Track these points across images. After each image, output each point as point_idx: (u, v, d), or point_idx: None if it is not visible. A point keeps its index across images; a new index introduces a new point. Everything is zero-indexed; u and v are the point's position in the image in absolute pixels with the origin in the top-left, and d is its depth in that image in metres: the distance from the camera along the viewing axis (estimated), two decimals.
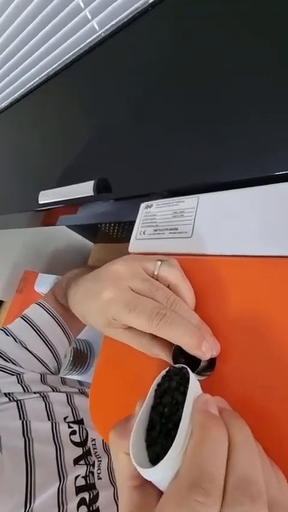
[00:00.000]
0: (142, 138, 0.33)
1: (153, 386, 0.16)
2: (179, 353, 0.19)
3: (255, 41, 0.25)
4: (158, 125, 0.31)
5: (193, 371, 0.18)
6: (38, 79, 0.47)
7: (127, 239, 0.27)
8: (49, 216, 0.61)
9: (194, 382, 0.15)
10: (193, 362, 0.18)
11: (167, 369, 0.17)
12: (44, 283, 0.74)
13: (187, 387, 0.15)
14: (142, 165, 0.32)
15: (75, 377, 0.61)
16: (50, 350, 0.38)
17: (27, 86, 0.49)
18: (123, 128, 0.35)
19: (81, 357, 0.61)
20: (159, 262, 0.21)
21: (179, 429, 0.13)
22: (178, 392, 0.15)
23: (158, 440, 0.14)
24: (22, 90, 0.49)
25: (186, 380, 0.16)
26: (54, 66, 0.45)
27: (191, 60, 0.30)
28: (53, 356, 0.39)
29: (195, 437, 0.13)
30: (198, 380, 0.19)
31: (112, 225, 0.78)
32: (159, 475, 0.13)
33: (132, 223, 0.31)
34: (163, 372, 0.17)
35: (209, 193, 0.24)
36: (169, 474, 0.13)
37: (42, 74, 0.47)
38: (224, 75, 0.27)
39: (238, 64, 0.26)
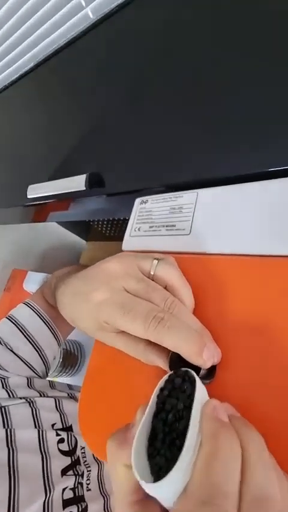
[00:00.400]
0: (137, 131, 0.31)
1: (156, 391, 0.15)
2: (176, 360, 0.18)
3: (260, 31, 0.24)
4: (155, 117, 0.30)
5: None
6: (27, 68, 0.45)
7: (121, 237, 0.26)
8: (39, 212, 0.59)
9: (201, 387, 0.14)
10: (192, 369, 0.17)
11: (170, 373, 0.16)
12: (33, 282, 0.72)
13: (193, 392, 0.14)
14: (137, 159, 0.31)
15: (64, 379, 0.59)
16: (38, 352, 0.36)
17: (17, 75, 0.47)
18: (117, 119, 0.33)
19: (71, 359, 0.59)
20: (155, 261, 0.20)
21: (187, 439, 0.12)
22: (182, 397, 0.14)
23: (161, 450, 0.13)
24: (12, 78, 0.47)
25: (190, 385, 0.14)
26: (45, 53, 0.43)
27: (189, 48, 0.28)
28: (41, 359, 0.37)
29: (206, 448, 0.11)
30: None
31: (105, 222, 0.76)
32: (166, 490, 0.11)
33: (126, 221, 0.29)
34: (166, 376, 0.16)
35: (208, 188, 0.23)
36: (176, 489, 0.11)
37: (31, 64, 0.45)
38: (224, 64, 0.25)
39: (240, 53, 0.25)
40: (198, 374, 0.17)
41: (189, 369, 0.16)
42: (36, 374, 0.36)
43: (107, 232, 0.80)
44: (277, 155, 0.21)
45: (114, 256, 0.21)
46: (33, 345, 0.36)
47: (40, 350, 0.36)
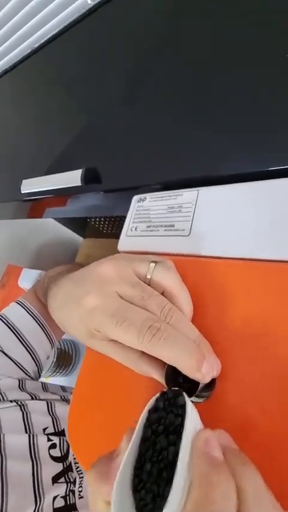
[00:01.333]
0: (136, 125, 0.30)
1: (144, 414, 0.14)
2: (173, 372, 0.16)
3: (267, 23, 0.23)
4: (155, 111, 0.28)
5: (191, 394, 0.15)
6: (21, 57, 0.43)
7: (119, 234, 0.25)
8: (35, 207, 0.58)
9: (192, 414, 0.13)
10: (190, 381, 0.16)
11: (160, 393, 0.14)
12: (28, 279, 0.71)
13: (183, 419, 0.12)
14: (135, 155, 0.29)
15: (59, 379, 0.58)
16: (30, 353, 0.35)
17: (10, 64, 0.45)
18: (116, 113, 0.32)
19: (65, 358, 0.58)
20: (152, 264, 0.18)
21: (174, 480, 0.10)
22: (173, 421, 0.13)
23: (147, 484, 0.11)
24: (5, 67, 0.45)
25: (182, 408, 0.13)
26: (41, 42, 0.41)
27: (192, 38, 0.27)
28: (33, 360, 0.35)
29: (196, 492, 0.10)
30: (196, 402, 0.16)
31: (103, 219, 0.75)
32: None
33: (124, 218, 0.28)
34: (155, 396, 0.14)
35: (210, 187, 0.22)
36: None
37: (27, 52, 0.43)
38: (228, 57, 0.24)
39: (246, 46, 0.23)
40: (196, 387, 0.16)
41: (181, 390, 0.14)
42: (28, 375, 0.35)
43: (105, 229, 0.78)
44: (282, 154, 0.20)
45: (109, 258, 0.20)
46: (25, 346, 0.35)
47: (32, 351, 0.35)
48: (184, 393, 0.14)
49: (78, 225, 0.83)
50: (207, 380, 0.15)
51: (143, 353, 0.17)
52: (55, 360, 0.55)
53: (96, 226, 0.78)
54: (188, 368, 0.15)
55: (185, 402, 0.13)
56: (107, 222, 0.76)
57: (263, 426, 0.14)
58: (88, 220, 0.77)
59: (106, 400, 0.20)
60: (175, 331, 0.16)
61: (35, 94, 0.42)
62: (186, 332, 0.16)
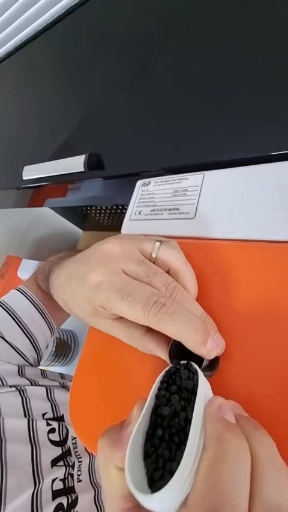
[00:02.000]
0: (140, 110, 0.29)
1: (156, 384, 0.14)
2: (177, 350, 0.16)
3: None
4: (159, 96, 0.28)
5: None
6: (24, 40, 0.43)
7: (118, 227, 0.24)
8: (36, 197, 0.57)
9: (204, 381, 0.13)
10: (193, 359, 0.16)
11: (170, 365, 0.14)
12: (27, 269, 0.70)
13: (195, 387, 0.12)
14: (138, 141, 0.29)
15: (57, 368, 0.58)
16: (30, 340, 0.35)
17: (10, 45, 0.44)
18: (119, 98, 0.31)
19: (64, 348, 0.58)
20: (158, 243, 0.18)
21: (188, 442, 0.10)
22: (184, 392, 0.13)
23: (159, 449, 0.11)
24: (5, 49, 0.44)
25: (192, 379, 0.13)
26: (44, 25, 0.40)
27: (197, 19, 0.26)
28: (33, 346, 0.35)
29: (211, 452, 0.10)
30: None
31: (103, 211, 0.74)
32: (163, 503, 0.10)
33: (124, 210, 0.27)
34: (166, 369, 0.14)
35: (216, 170, 0.21)
36: (176, 501, 0.10)
37: (29, 36, 0.42)
38: (234, 37, 0.23)
39: (252, 30, 0.23)
40: (200, 366, 0.16)
41: (191, 362, 0.14)
42: (28, 362, 0.35)
43: (104, 221, 0.78)
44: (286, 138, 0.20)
45: (114, 237, 0.20)
46: (24, 333, 0.35)
47: (32, 338, 0.35)
48: (194, 364, 0.14)
49: (77, 217, 0.82)
50: (212, 356, 0.15)
51: (147, 331, 0.17)
52: (54, 349, 0.55)
53: (96, 218, 0.78)
54: (193, 342, 0.15)
55: (196, 370, 0.13)
56: (107, 215, 0.75)
57: (266, 407, 0.14)
58: (88, 212, 0.77)
59: (108, 381, 0.20)
60: (180, 307, 0.16)
61: (37, 79, 0.42)
62: (191, 308, 0.16)
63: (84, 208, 0.76)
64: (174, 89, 0.27)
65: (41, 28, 0.41)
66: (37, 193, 0.53)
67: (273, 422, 0.14)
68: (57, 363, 0.57)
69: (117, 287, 0.16)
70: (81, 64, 0.36)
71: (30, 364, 0.35)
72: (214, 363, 0.16)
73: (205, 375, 0.16)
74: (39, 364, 0.38)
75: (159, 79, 0.28)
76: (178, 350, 0.16)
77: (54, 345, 0.55)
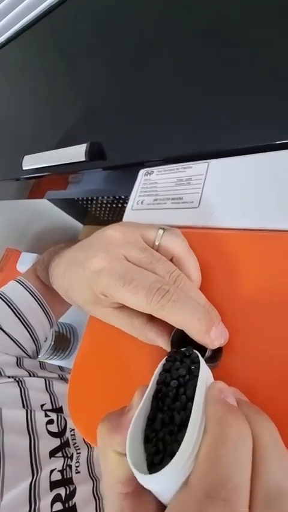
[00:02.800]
0: (142, 100, 0.29)
1: (158, 369, 0.13)
2: (178, 340, 0.16)
3: None
4: (162, 84, 0.27)
5: None
6: (23, 26, 0.42)
7: (118, 221, 0.24)
8: (36, 189, 0.56)
9: (205, 367, 0.12)
10: (196, 349, 0.15)
11: (172, 352, 0.14)
12: (27, 263, 0.70)
13: (196, 373, 0.12)
14: (140, 131, 0.28)
15: (56, 362, 0.58)
16: (28, 331, 0.35)
17: (9, 32, 0.43)
18: (121, 86, 0.31)
19: (63, 342, 0.57)
20: (161, 231, 0.18)
21: (189, 424, 0.10)
22: (186, 378, 0.12)
23: (160, 433, 0.11)
24: (4, 36, 0.43)
25: (194, 365, 0.13)
26: (43, 11, 0.39)
27: (200, 6, 0.25)
28: (32, 338, 0.35)
29: (212, 434, 0.10)
30: None
31: (103, 204, 0.74)
32: (164, 482, 0.10)
33: (126, 202, 0.27)
34: (167, 356, 0.14)
35: (221, 159, 0.21)
36: (176, 481, 0.10)
37: (29, 20, 0.41)
38: (240, 24, 0.23)
39: (257, 16, 0.22)
40: (203, 356, 0.15)
41: (193, 348, 0.14)
42: (26, 353, 0.35)
43: (105, 216, 0.77)
44: None
45: (116, 223, 0.19)
46: (23, 324, 0.34)
47: (31, 329, 0.35)
48: (195, 350, 0.14)
49: (78, 211, 0.82)
50: (215, 345, 0.15)
51: (149, 320, 0.17)
52: (53, 343, 0.54)
53: (97, 212, 0.77)
54: (196, 331, 0.15)
55: (197, 356, 0.13)
56: (107, 209, 0.75)
57: (270, 398, 0.14)
58: (88, 206, 0.76)
59: (107, 372, 0.19)
60: (184, 294, 0.15)
61: (38, 67, 0.41)
62: (195, 297, 0.16)
63: (84, 201, 0.75)
64: (178, 77, 0.26)
65: (39, 15, 0.40)
66: (37, 185, 0.53)
67: (277, 413, 0.14)
68: (56, 356, 0.57)
69: (119, 273, 0.16)
70: (82, 52, 0.35)
71: (28, 356, 0.35)
72: (217, 354, 0.16)
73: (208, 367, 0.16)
74: (38, 356, 0.38)
75: (163, 66, 0.27)
76: (180, 340, 0.16)
77: (53, 338, 0.55)
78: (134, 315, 0.17)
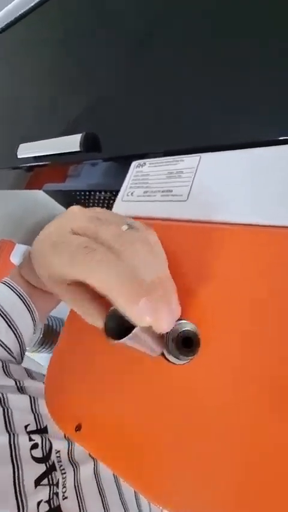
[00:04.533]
0: (139, 94, 0.28)
1: None
2: (112, 325, 0.15)
3: None
4: (161, 76, 0.27)
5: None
6: (22, 12, 0.41)
7: None
8: (35, 180, 0.56)
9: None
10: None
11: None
12: (20, 255, 0.70)
13: None
14: (136, 124, 0.28)
15: (44, 354, 0.57)
16: (15, 333, 0.33)
17: (7, 20, 0.43)
18: (119, 80, 0.30)
19: (52, 335, 0.57)
20: (125, 227, 0.15)
21: None
22: None
23: None
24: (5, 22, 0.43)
25: None
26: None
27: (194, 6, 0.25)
28: (17, 340, 0.34)
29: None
30: (177, 364, 0.16)
31: (101, 202, 0.73)
32: None
33: None
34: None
35: (213, 153, 0.21)
36: None
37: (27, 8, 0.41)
38: (238, 19, 0.22)
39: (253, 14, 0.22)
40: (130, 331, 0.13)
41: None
42: (12, 356, 0.33)
43: None
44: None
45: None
46: (9, 325, 0.33)
47: (17, 331, 0.34)
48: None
49: (74, 204, 0.81)
50: (143, 322, 0.13)
51: (93, 297, 0.15)
52: (41, 336, 0.54)
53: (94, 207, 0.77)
54: (120, 297, 0.12)
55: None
56: (105, 205, 0.74)
57: (244, 389, 0.14)
58: (85, 200, 0.75)
59: (84, 365, 0.19)
60: (115, 257, 0.13)
61: (35, 55, 0.41)
62: (141, 267, 0.13)
63: (82, 195, 0.75)
64: (176, 70, 0.26)
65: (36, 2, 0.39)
66: (36, 176, 0.52)
67: (255, 407, 0.13)
68: (44, 349, 0.56)
69: (52, 242, 0.15)
70: (82, 42, 0.35)
71: (14, 359, 0.34)
72: (192, 348, 0.15)
73: (182, 359, 0.15)
74: (22, 361, 0.36)
75: (160, 60, 0.27)
76: (116, 325, 0.14)
77: (42, 332, 0.55)
78: (81, 292, 0.16)
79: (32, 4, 0.40)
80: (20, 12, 0.41)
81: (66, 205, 0.85)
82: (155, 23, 0.28)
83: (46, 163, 0.38)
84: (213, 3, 0.24)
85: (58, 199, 0.82)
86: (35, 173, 0.52)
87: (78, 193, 0.73)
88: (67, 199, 0.81)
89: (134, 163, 0.25)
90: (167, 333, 0.15)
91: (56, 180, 0.52)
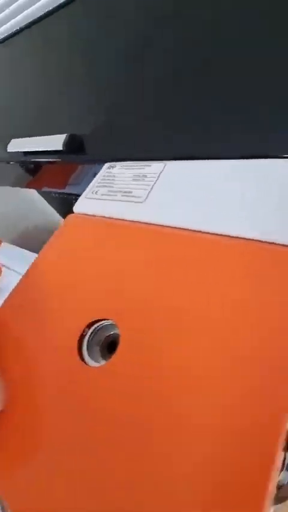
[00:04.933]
0: (132, 101, 0.29)
1: None
2: None
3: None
4: (157, 81, 0.27)
5: None
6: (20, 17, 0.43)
7: None
8: (34, 182, 0.56)
9: None
10: None
11: None
12: (6, 254, 0.69)
13: None
14: (129, 129, 0.28)
15: None
16: None
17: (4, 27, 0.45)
18: (118, 82, 0.31)
19: None
20: None
21: None
22: None
23: None
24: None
25: None
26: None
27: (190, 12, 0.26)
28: None
29: None
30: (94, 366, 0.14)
31: None
32: None
33: None
34: None
35: (178, 161, 0.20)
36: None
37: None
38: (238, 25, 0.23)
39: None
40: None
41: None
42: None
43: None
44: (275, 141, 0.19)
45: None
46: None
47: None
48: None
49: (69, 210, 0.81)
50: None
51: None
52: None
53: None
54: None
55: None
56: None
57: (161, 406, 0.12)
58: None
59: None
60: None
61: (34, 54, 0.42)
62: None
63: (73, 197, 0.75)
64: (165, 80, 0.26)
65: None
66: (35, 182, 0.53)
67: (173, 412, 0.12)
68: None
69: None
70: (79, 43, 0.36)
71: None
72: (111, 347, 0.14)
73: (101, 361, 0.14)
74: None
75: (153, 66, 0.28)
76: None
77: None
78: None
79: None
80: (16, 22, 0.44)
81: (63, 213, 0.86)
82: (154, 24, 0.29)
83: (36, 160, 0.39)
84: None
85: (54, 204, 0.83)
86: (35, 179, 0.53)
87: (74, 197, 0.74)
88: (63, 205, 0.82)
89: (107, 164, 0.25)
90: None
91: (56, 187, 0.53)
